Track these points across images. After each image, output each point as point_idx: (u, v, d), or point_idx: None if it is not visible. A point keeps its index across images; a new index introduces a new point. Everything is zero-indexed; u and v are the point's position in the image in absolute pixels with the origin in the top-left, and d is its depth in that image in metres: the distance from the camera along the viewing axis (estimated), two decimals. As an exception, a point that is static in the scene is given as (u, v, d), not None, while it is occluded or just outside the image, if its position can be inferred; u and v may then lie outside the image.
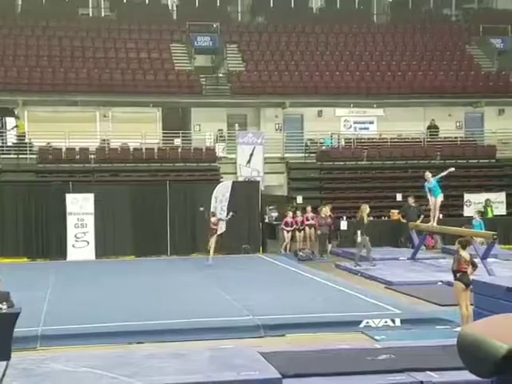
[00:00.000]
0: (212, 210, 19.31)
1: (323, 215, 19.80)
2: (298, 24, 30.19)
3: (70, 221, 19.38)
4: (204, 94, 25.98)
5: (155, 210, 19.96)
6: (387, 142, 26.26)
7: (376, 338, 10.16)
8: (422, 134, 26.65)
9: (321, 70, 27.63)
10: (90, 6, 30.60)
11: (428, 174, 17.75)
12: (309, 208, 21.16)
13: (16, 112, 25.82)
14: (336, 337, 10.18)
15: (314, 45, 29.21)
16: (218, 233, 19.32)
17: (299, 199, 23.82)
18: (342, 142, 26.27)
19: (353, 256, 17.75)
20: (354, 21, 30.93)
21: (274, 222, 22.71)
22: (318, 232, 19.32)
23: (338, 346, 9.24)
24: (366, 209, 17.35)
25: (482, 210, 22.80)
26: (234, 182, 21.17)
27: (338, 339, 9.93)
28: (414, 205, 21.42)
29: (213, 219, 17.97)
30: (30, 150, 23.64)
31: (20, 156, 23.50)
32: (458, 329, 9.54)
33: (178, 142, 25.11)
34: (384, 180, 24.83)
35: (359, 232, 16.81)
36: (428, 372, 7.92)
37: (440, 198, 17.63)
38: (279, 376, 7.75)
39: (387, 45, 29.85)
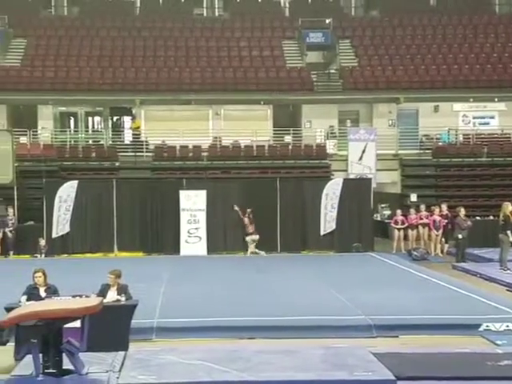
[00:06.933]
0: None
1: (463, 217, 18.02)
2: (413, 17, 29.42)
3: (183, 217, 19.76)
4: (315, 91, 25.84)
5: (265, 206, 19.96)
6: (510, 137, 25.09)
7: (497, 342, 9.62)
8: (548, 128, 25.25)
9: (438, 64, 26.80)
10: (205, 5, 31.26)
11: None
12: (422, 206, 20.45)
13: (133, 111, 26.76)
14: (453, 340, 9.73)
15: (431, 38, 28.41)
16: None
17: (413, 197, 23.21)
18: (460, 138, 25.45)
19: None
20: (475, 12, 29.81)
21: (387, 221, 22.13)
22: (459, 236, 18.11)
23: (456, 350, 8.83)
24: (508, 206, 16.33)
25: None
26: (345, 180, 20.87)
27: (454, 342, 9.49)
28: None
29: None
30: (146, 148, 24.42)
31: (137, 154, 24.32)
32: None
33: (288, 138, 25.16)
34: (506, 177, 23.73)
35: (509, 232, 15.82)
36: (556, 381, 7.39)
37: None
38: (393, 378, 7.48)
39: (510, 36, 28.48)
